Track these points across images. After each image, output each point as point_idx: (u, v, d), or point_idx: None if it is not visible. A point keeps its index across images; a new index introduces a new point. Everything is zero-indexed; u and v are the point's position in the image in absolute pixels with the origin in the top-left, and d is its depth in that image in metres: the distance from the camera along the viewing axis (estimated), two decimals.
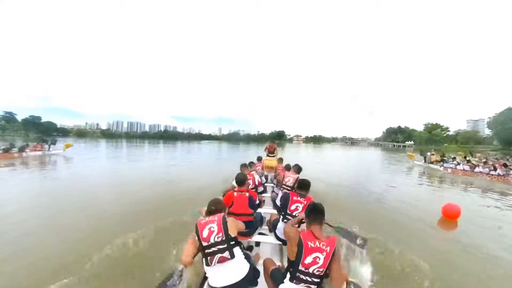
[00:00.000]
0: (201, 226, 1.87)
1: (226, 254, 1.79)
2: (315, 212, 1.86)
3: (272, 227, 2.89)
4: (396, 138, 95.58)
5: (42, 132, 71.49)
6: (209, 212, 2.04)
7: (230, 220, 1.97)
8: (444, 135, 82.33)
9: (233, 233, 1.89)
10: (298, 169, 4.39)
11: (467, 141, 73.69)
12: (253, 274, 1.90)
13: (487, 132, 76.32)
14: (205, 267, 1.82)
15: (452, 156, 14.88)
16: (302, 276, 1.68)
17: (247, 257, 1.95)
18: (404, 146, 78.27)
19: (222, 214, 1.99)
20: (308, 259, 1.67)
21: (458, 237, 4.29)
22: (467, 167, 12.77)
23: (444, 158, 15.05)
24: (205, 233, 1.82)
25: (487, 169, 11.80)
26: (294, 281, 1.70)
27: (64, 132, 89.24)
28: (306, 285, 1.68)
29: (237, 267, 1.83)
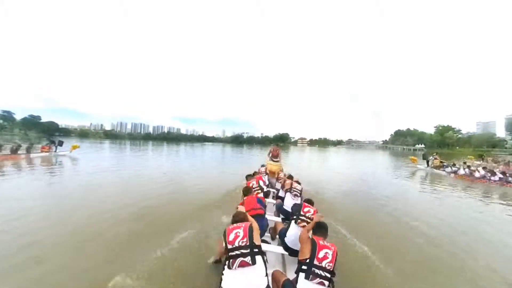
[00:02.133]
0: (228, 231, 2.08)
1: (248, 259, 1.89)
2: (322, 228, 2.35)
3: (280, 236, 3.03)
4: (405, 141, 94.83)
5: (44, 132, 72.08)
6: (236, 221, 2.27)
7: (255, 229, 2.13)
8: (457, 137, 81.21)
9: (257, 241, 2.04)
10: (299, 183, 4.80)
11: (483, 144, 72.05)
12: None
13: (498, 134, 74.95)
14: (225, 270, 1.92)
15: (452, 163, 15.32)
16: (316, 271, 1.91)
17: (266, 273, 1.98)
18: (414, 150, 76.78)
19: (249, 223, 2.18)
20: (321, 254, 1.98)
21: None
22: (468, 172, 13.23)
23: (444, 163, 15.53)
24: (231, 237, 2.01)
25: (486, 174, 12.24)
26: (310, 276, 1.89)
27: (66, 132, 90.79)
28: (320, 280, 1.89)
29: (256, 278, 1.87)
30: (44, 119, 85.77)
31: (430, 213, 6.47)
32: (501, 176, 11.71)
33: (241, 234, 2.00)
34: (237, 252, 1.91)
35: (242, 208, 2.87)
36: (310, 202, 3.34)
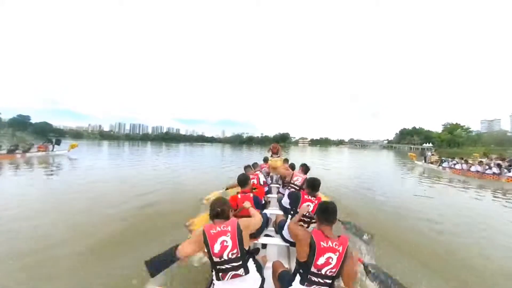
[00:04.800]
0: (211, 238, 1.71)
1: (241, 271, 1.74)
2: (327, 213, 1.83)
3: (279, 229, 2.98)
4: (412, 140, 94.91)
5: (36, 132, 72.33)
6: (216, 215, 1.85)
7: (244, 228, 1.85)
8: (467, 136, 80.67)
9: (247, 245, 1.85)
10: (305, 168, 4.31)
11: (495, 142, 70.93)
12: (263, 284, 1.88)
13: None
14: (215, 281, 1.77)
15: (450, 158, 16.11)
16: (314, 278, 1.69)
17: (259, 268, 1.92)
18: (422, 149, 76.75)
19: (236, 221, 1.82)
20: (321, 260, 1.66)
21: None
22: (464, 166, 13.92)
23: (443, 158, 16.30)
24: (216, 248, 1.70)
25: (481, 168, 12.91)
26: (306, 283, 1.70)
27: (60, 133, 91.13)
28: (318, 287, 1.69)
29: (250, 282, 1.81)
30: (45, 120, 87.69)
31: (428, 205, 7.05)
32: (495, 169, 12.36)
33: (230, 244, 1.71)
34: (227, 266, 1.72)
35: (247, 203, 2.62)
36: (313, 185, 2.82)
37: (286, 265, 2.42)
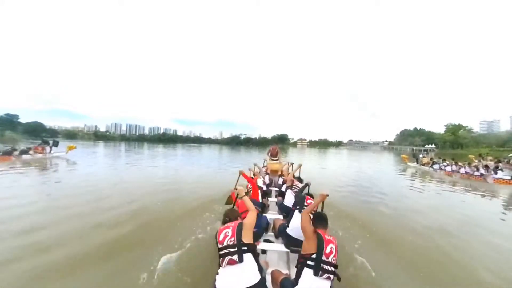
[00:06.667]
0: (219, 231, 2.25)
1: (235, 257, 2.02)
2: (322, 220, 2.46)
3: (279, 233, 3.17)
4: (413, 141, 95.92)
5: (28, 132, 72.60)
6: (225, 222, 2.48)
7: (246, 227, 2.25)
8: (470, 137, 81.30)
9: (246, 239, 2.16)
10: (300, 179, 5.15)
11: (505, 144, 69.65)
12: (262, 286, 2.00)
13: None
14: (219, 269, 2.07)
15: (442, 158, 16.99)
16: (325, 267, 2.00)
17: (260, 268, 2.10)
18: (425, 150, 76.93)
19: (239, 221, 2.33)
20: (328, 249, 2.09)
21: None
22: (454, 168, 14.77)
23: (434, 160, 17.19)
24: (221, 237, 2.18)
25: (470, 170, 13.76)
26: (320, 272, 1.97)
27: (53, 134, 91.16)
28: (327, 275, 1.99)
29: (246, 274, 1.99)
30: (44, 120, 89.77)
31: (420, 205, 7.63)
32: (483, 171, 13.20)
33: (230, 234, 2.17)
34: (225, 251, 2.08)
35: (241, 191, 2.98)
36: (311, 196, 3.71)
37: (286, 271, 2.65)
